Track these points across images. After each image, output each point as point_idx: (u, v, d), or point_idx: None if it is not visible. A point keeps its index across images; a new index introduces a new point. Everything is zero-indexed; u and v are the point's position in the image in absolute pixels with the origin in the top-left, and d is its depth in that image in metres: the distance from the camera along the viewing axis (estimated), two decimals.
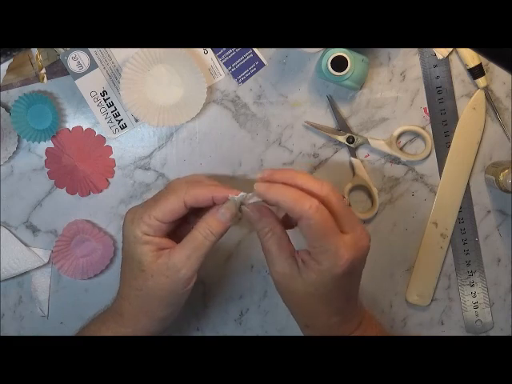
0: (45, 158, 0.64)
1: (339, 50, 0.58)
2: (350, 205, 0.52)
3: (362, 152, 0.64)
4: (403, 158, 0.64)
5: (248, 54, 0.63)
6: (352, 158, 0.64)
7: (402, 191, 0.65)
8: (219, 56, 0.63)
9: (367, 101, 0.64)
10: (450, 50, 0.63)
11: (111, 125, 0.63)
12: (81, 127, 0.64)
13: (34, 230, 0.65)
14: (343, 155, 0.64)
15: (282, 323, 0.66)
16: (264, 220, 0.52)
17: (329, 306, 0.52)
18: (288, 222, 0.54)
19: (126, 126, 0.64)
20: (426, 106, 0.64)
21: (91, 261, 0.65)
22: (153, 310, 0.54)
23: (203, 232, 0.52)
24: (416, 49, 0.63)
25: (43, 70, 0.59)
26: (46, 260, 0.65)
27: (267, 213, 0.52)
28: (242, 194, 0.52)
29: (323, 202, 0.49)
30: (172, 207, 0.52)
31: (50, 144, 0.64)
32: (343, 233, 0.50)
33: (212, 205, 0.52)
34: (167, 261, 0.52)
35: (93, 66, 0.62)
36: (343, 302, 0.53)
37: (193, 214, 0.55)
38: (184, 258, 0.51)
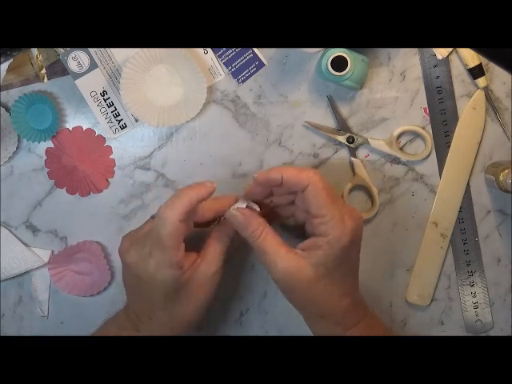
0: (45, 157, 0.64)
1: (339, 50, 0.58)
2: None
3: (362, 152, 0.64)
4: (403, 158, 0.64)
5: (248, 54, 0.63)
6: (352, 158, 0.64)
7: (402, 191, 0.65)
8: (219, 56, 0.63)
9: (367, 101, 0.64)
10: (450, 50, 0.63)
11: (111, 125, 0.63)
12: (81, 127, 0.64)
13: (34, 229, 0.65)
14: (343, 155, 0.64)
15: (281, 323, 0.66)
16: (254, 222, 0.53)
17: (339, 285, 0.53)
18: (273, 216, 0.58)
19: (126, 126, 0.64)
20: (426, 105, 0.64)
21: (81, 281, 0.65)
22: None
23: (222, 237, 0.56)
24: (416, 49, 0.63)
25: (43, 70, 0.59)
26: (46, 260, 0.65)
27: (255, 215, 0.54)
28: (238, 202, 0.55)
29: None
30: (180, 232, 0.52)
31: (50, 144, 0.64)
32: None
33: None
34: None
35: (93, 65, 0.62)
36: (350, 281, 0.54)
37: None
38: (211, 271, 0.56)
